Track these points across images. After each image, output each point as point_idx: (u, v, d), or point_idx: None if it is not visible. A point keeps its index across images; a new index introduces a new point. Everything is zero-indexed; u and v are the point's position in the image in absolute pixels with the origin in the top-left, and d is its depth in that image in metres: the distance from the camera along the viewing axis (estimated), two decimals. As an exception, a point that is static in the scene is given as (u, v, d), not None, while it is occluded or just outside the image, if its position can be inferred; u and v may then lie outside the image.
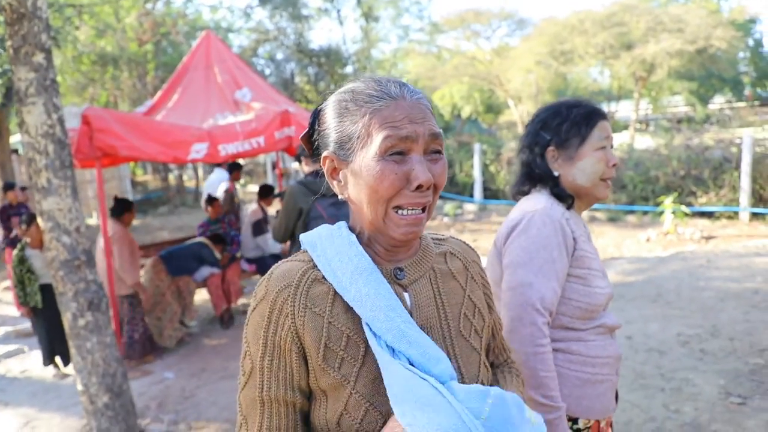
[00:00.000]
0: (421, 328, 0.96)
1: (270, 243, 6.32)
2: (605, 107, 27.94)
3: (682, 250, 8.22)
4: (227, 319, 5.92)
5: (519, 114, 21.21)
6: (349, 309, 0.93)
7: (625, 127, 20.42)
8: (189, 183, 21.05)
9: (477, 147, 14.00)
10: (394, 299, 0.93)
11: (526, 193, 1.70)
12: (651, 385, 3.83)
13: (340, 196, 1.01)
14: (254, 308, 0.96)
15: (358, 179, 0.94)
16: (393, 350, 0.90)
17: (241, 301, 6.68)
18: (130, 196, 13.82)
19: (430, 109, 0.98)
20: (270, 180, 22.20)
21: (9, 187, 7.43)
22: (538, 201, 1.59)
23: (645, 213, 10.67)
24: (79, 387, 3.38)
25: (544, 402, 1.42)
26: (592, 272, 1.56)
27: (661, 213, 9.54)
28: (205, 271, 5.81)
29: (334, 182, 1.01)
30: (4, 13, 2.94)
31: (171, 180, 18.08)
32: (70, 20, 9.69)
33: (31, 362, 5.31)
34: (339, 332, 0.92)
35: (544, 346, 1.45)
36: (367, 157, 0.92)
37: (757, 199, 9.91)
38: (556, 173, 1.62)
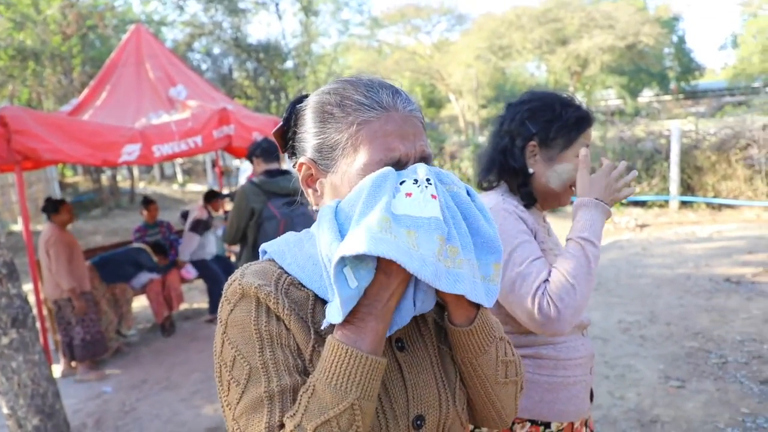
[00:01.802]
0: (398, 339, 0.93)
1: (211, 244, 6.10)
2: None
3: (619, 238, 8.55)
4: (169, 326, 5.68)
5: (460, 108, 21.50)
6: None
7: (562, 120, 21.00)
8: (123, 183, 20.19)
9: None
10: None
11: (491, 186, 1.61)
12: (596, 373, 3.94)
13: (314, 207, 0.94)
14: (232, 310, 0.86)
15: (338, 193, 0.88)
16: None
17: (183, 306, 6.43)
18: (59, 199, 13.06)
19: (422, 121, 0.91)
20: (210, 178, 21.62)
21: None
22: (489, 199, 1.52)
23: (583, 203, 11.02)
24: (5, 410, 3.13)
25: (594, 244, 1.38)
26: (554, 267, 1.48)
27: (598, 203, 9.85)
28: (143, 277, 5.54)
29: (309, 191, 0.94)
30: None
31: (104, 181, 17.23)
32: (-16, 12, 9.01)
33: (-49, 383, 4.91)
34: (323, 339, 0.86)
35: (556, 281, 1.32)
36: (350, 171, 0.86)
37: (685, 188, 10.44)
38: (530, 170, 1.53)
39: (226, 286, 0.89)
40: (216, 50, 16.91)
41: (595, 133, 12.41)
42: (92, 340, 4.77)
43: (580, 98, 1.56)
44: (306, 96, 0.97)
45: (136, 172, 19.40)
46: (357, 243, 0.71)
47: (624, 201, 9.92)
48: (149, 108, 4.89)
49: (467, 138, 15.56)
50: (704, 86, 26.63)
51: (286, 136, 0.99)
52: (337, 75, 20.73)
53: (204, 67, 16.89)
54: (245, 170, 8.80)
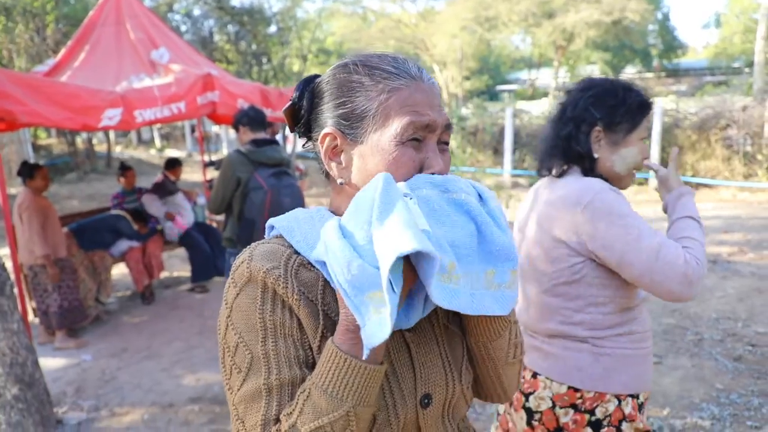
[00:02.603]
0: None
1: (187, 213, 6.00)
2: (526, 75, 28.65)
3: (598, 215, 8.64)
4: (149, 294, 5.62)
5: (444, 79, 21.32)
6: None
7: (545, 95, 21.06)
8: (100, 147, 19.70)
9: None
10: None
11: (564, 172, 1.61)
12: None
13: (338, 180, 0.90)
14: (238, 294, 0.84)
15: (368, 162, 0.86)
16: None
17: (164, 274, 6.36)
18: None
19: (440, 95, 0.93)
20: (189, 144, 21.23)
21: None
22: (591, 183, 1.51)
23: (564, 179, 11.12)
24: (-17, 379, 3.08)
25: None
26: None
27: (580, 179, 9.94)
28: (122, 244, 5.45)
29: (333, 163, 0.91)
30: None
31: (79, 144, 16.77)
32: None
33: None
34: (333, 322, 0.85)
35: (694, 246, 1.47)
36: (383, 140, 0.85)
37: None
38: (595, 155, 1.58)
39: (234, 266, 0.87)
40: (197, 12, 16.39)
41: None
42: (70, 307, 4.70)
43: (639, 85, 1.61)
44: (316, 76, 0.96)
45: (112, 135, 18.90)
46: (407, 241, 0.66)
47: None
48: (130, 71, 4.72)
49: (451, 110, 15.47)
50: (686, 65, 26.80)
51: (298, 115, 0.96)
52: (320, 41, 20.31)
53: (183, 28, 16.38)
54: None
